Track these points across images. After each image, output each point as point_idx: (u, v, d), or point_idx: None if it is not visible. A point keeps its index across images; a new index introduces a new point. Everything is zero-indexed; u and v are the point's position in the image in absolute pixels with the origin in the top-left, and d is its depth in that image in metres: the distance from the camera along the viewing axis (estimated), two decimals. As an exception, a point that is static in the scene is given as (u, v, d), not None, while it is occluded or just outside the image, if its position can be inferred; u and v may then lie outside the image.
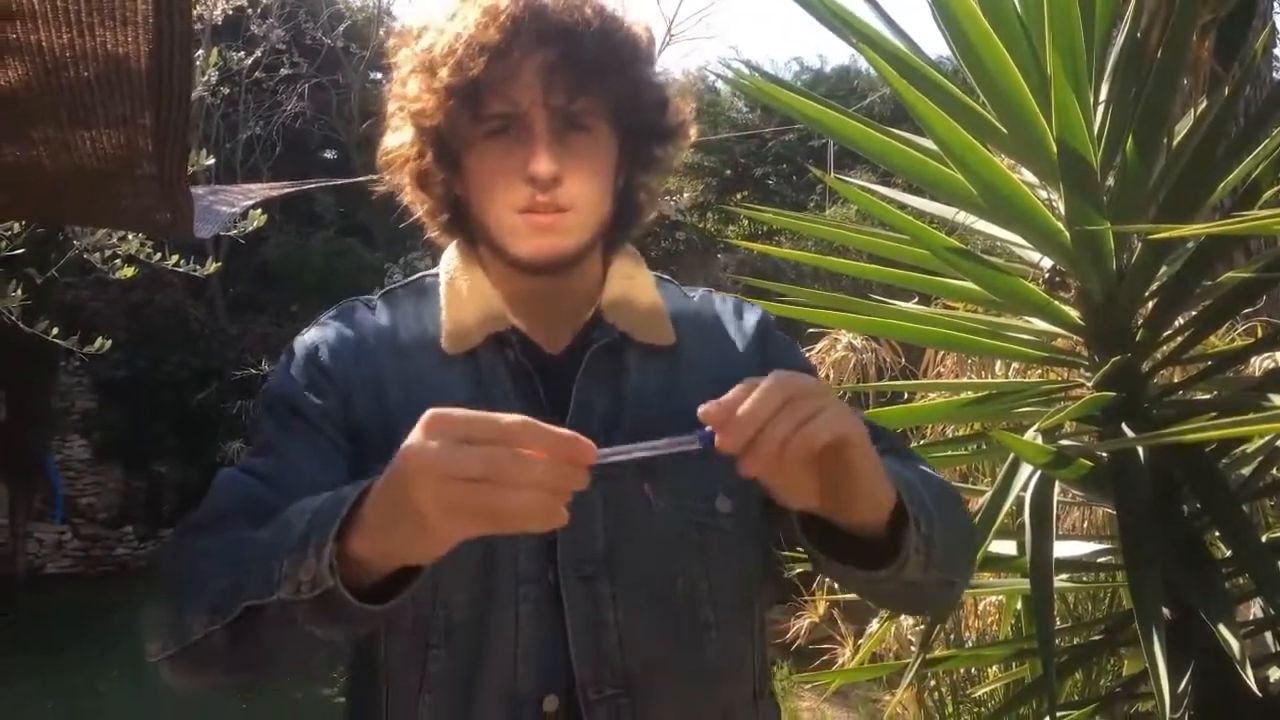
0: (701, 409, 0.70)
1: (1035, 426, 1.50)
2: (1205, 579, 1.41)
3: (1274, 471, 1.63)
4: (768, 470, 0.71)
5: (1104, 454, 1.52)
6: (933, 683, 3.28)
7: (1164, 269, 1.56)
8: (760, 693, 0.98)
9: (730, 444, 0.70)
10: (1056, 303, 1.60)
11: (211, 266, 4.31)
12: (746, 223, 10.07)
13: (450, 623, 0.89)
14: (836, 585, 3.60)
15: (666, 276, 1.08)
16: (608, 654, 0.89)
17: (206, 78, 4.40)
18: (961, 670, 3.17)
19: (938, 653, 2.49)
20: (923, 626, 2.56)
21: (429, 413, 0.66)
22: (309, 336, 0.98)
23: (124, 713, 5.40)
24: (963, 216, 1.68)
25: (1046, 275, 1.64)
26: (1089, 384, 1.57)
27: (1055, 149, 1.40)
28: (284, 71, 9.67)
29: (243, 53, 7.67)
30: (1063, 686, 2.26)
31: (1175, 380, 1.76)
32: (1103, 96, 1.57)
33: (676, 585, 0.92)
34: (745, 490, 0.94)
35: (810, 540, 0.82)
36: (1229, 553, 1.52)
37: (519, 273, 0.94)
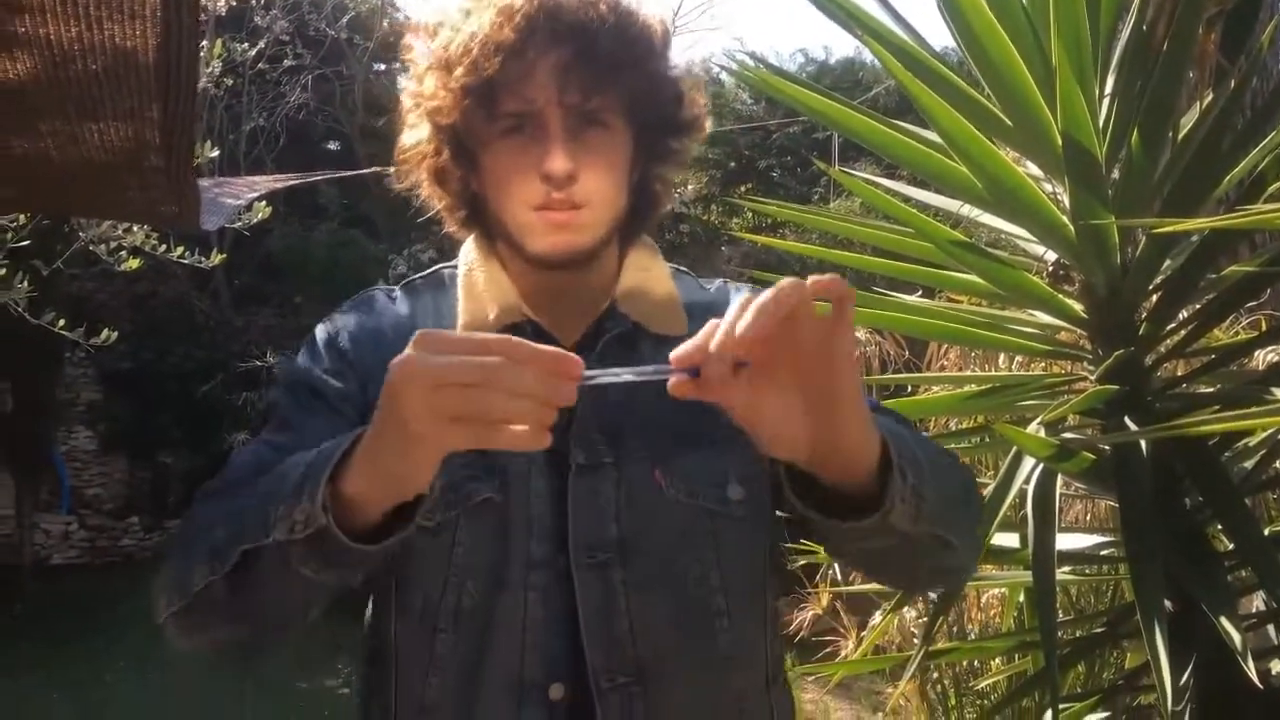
0: (674, 353, 0.70)
1: (1038, 419, 1.51)
2: (1207, 572, 1.41)
3: (1277, 465, 1.63)
4: (736, 391, 0.70)
5: (1106, 447, 1.53)
6: (935, 675, 3.28)
7: (1168, 262, 1.56)
8: (773, 680, 0.99)
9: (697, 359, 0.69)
10: (1060, 296, 1.60)
11: (216, 258, 4.32)
12: (751, 215, 10.06)
13: (459, 607, 0.91)
14: (837, 570, 3.61)
15: (683, 268, 1.08)
16: (620, 641, 0.90)
17: (210, 69, 4.39)
18: (964, 662, 3.17)
19: (940, 645, 2.49)
20: (925, 619, 2.57)
21: (419, 332, 0.66)
22: (331, 323, 1.00)
23: (130, 703, 5.43)
24: (967, 210, 1.68)
25: (1050, 269, 1.64)
26: (1092, 377, 1.57)
27: (1060, 142, 1.40)
28: (287, 63, 9.67)
29: (246, 44, 7.67)
30: (1065, 679, 2.27)
31: (1179, 374, 1.76)
32: (1108, 90, 1.56)
33: (688, 572, 0.93)
34: (756, 478, 0.96)
35: (799, 500, 0.81)
36: (1231, 546, 1.52)
37: (535, 267, 0.95)
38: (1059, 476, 1.53)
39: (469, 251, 1.02)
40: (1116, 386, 1.48)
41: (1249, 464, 1.63)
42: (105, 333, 4.11)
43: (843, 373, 0.72)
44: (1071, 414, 1.57)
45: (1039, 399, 1.69)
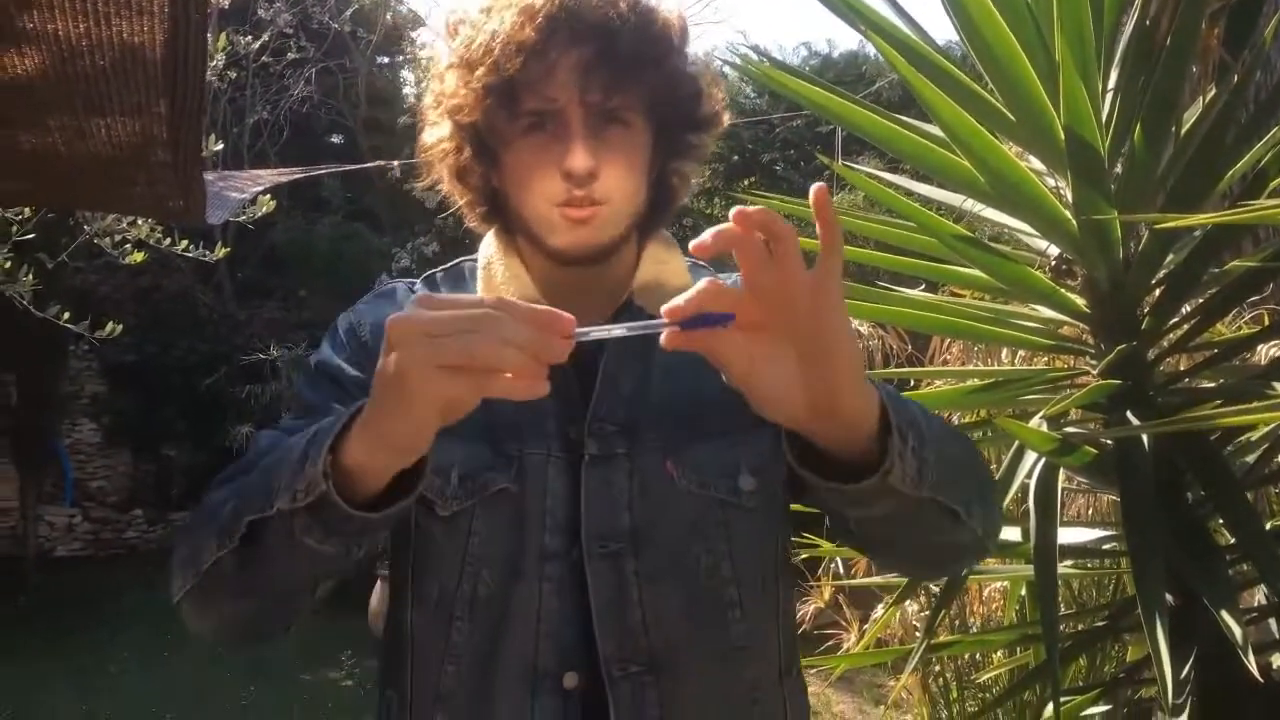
0: (666, 305, 0.70)
1: (1040, 414, 1.51)
2: (1208, 566, 1.42)
3: (1278, 459, 1.63)
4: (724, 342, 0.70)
5: (1108, 441, 1.53)
6: (937, 668, 3.29)
7: (1171, 257, 1.56)
8: (786, 671, 1.00)
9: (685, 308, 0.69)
10: (1063, 290, 1.60)
11: (220, 252, 4.32)
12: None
13: (475, 597, 0.92)
14: (839, 563, 3.61)
15: (702, 262, 1.09)
16: (632, 630, 0.91)
17: (214, 62, 4.39)
18: (966, 655, 3.18)
19: (942, 638, 2.50)
20: (927, 612, 2.58)
21: (418, 295, 0.68)
22: (353, 313, 1.02)
23: (134, 694, 5.45)
24: (970, 204, 1.69)
25: (1053, 263, 1.65)
26: (1094, 372, 1.58)
27: (1063, 137, 1.40)
28: (291, 56, 9.65)
29: (250, 37, 7.67)
30: (1066, 672, 2.27)
31: (1181, 368, 1.76)
32: (1111, 84, 1.56)
33: (700, 563, 0.94)
34: (768, 470, 0.97)
35: (801, 466, 0.80)
36: (1232, 540, 1.52)
37: (555, 262, 0.96)
38: (1061, 471, 1.54)
39: (489, 246, 1.03)
40: (1119, 381, 1.48)
41: (1251, 458, 1.63)
42: (110, 326, 4.12)
43: (833, 321, 0.71)
44: (1073, 408, 1.57)
45: (1041, 393, 1.69)
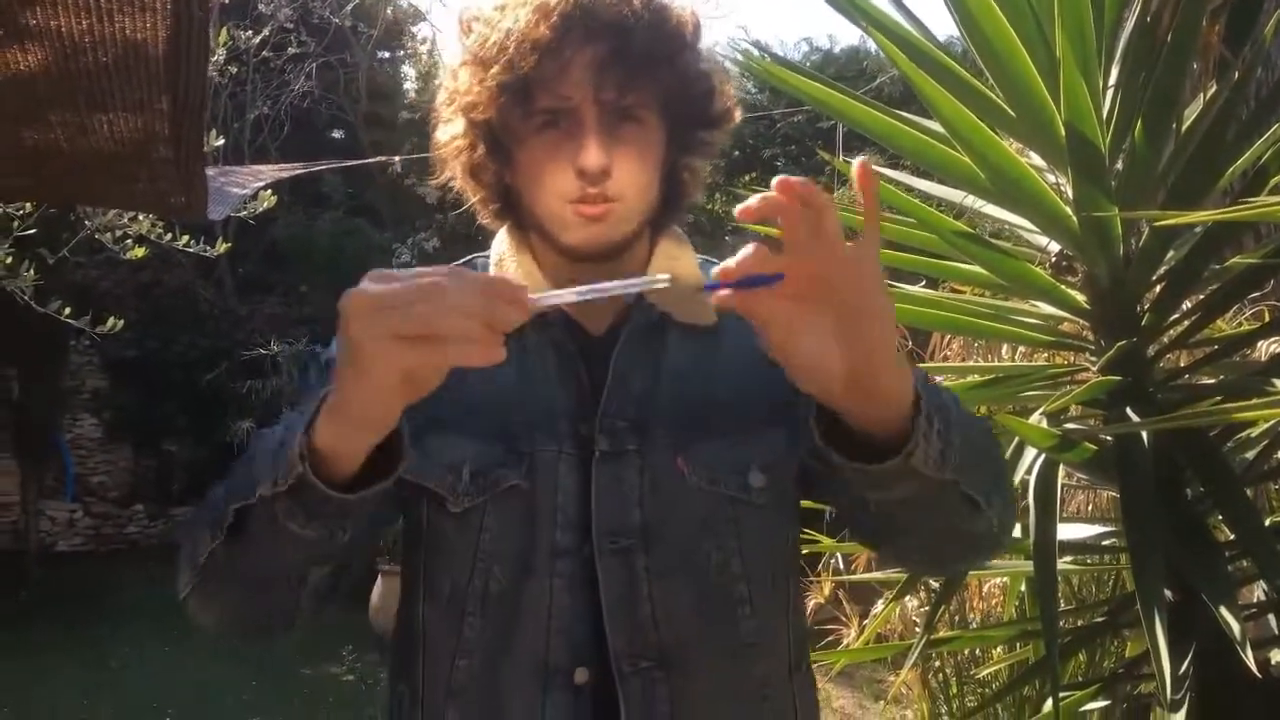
0: (716, 268, 0.70)
1: (1040, 410, 1.51)
2: (1208, 562, 1.42)
3: (1278, 456, 1.64)
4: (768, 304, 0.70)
5: (1108, 438, 1.53)
6: (937, 663, 3.30)
7: (1171, 253, 1.57)
8: (796, 667, 1.00)
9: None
10: (1063, 287, 1.61)
11: (221, 247, 4.32)
12: (754, 204, 10.02)
13: (486, 592, 0.92)
14: (839, 559, 3.61)
15: (714, 260, 1.09)
16: (642, 626, 0.91)
17: (215, 58, 4.39)
18: (966, 651, 3.18)
19: (942, 634, 2.51)
20: (927, 608, 2.58)
21: (370, 271, 0.68)
22: None
23: (135, 689, 5.46)
24: (970, 200, 1.69)
25: (1053, 259, 1.65)
26: (1094, 368, 1.58)
27: (1064, 133, 1.40)
28: (291, 50, 9.64)
29: (250, 32, 7.66)
30: (1065, 667, 2.28)
31: (1181, 364, 1.76)
32: (1112, 81, 1.56)
33: (710, 560, 0.94)
34: (778, 466, 0.97)
35: (826, 444, 0.78)
36: (1232, 536, 1.53)
37: (567, 259, 0.96)
38: (1061, 467, 1.54)
39: (501, 243, 1.04)
40: (1119, 377, 1.49)
41: (1250, 454, 1.63)
42: (111, 321, 4.12)
43: (871, 294, 0.71)
44: (1074, 404, 1.58)
45: (1041, 389, 1.70)
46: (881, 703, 4.51)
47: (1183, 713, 1.32)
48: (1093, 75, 1.44)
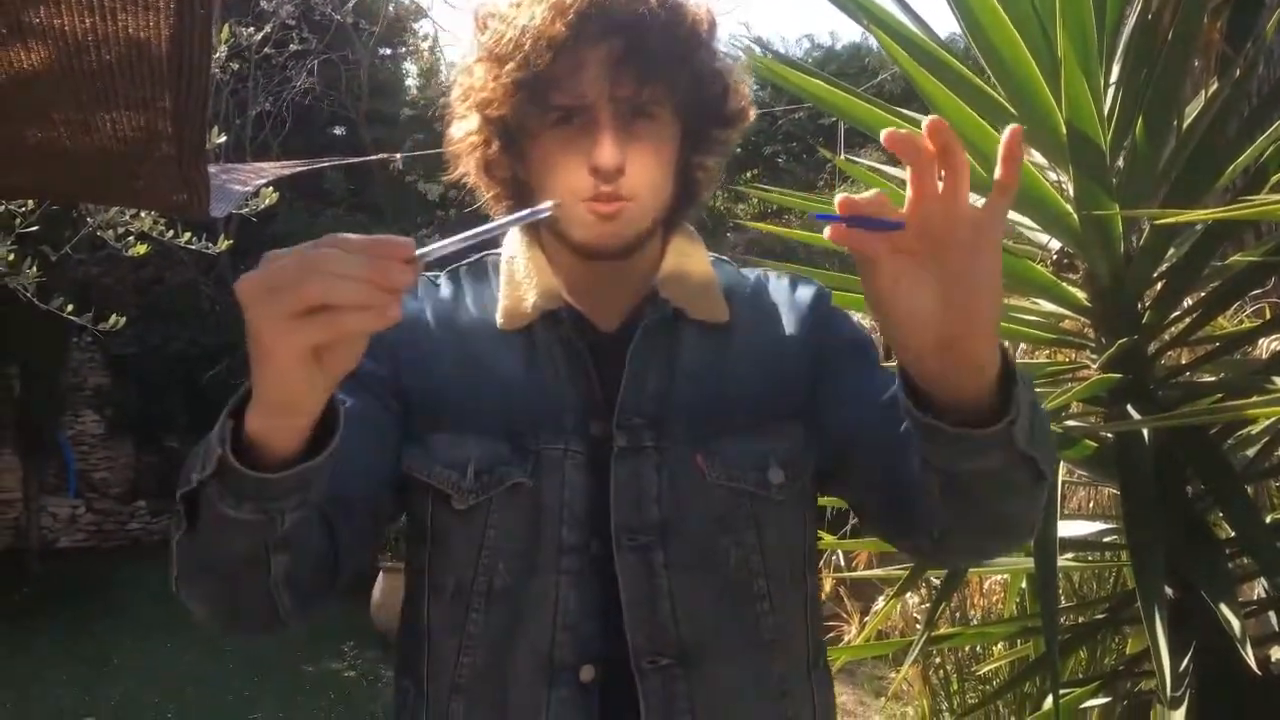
0: (841, 198, 0.69)
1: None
2: (1208, 559, 1.43)
3: (1278, 453, 1.64)
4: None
5: (1109, 435, 1.54)
6: (938, 660, 3.30)
7: (1172, 251, 1.57)
8: (814, 663, 1.00)
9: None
10: (1064, 284, 1.61)
11: (223, 244, 4.31)
12: (756, 202, 10.04)
13: (491, 589, 0.92)
14: (840, 556, 3.61)
15: (724, 257, 1.09)
16: (662, 623, 0.91)
17: (217, 54, 4.39)
18: (966, 648, 3.19)
19: (943, 630, 2.51)
20: (928, 604, 2.58)
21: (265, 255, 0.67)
22: None
23: (136, 685, 5.47)
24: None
25: (1054, 257, 1.65)
26: (1095, 365, 1.58)
27: (1065, 131, 1.40)
28: (293, 47, 9.63)
29: (252, 28, 7.65)
30: (1066, 664, 2.28)
31: (1182, 362, 1.77)
32: (1113, 78, 1.57)
33: (729, 556, 0.94)
34: (797, 462, 0.97)
35: (920, 410, 0.76)
36: (1232, 534, 1.53)
37: (580, 257, 0.96)
38: (1061, 464, 1.54)
39: (513, 239, 1.04)
40: (1119, 375, 1.49)
41: (1251, 452, 1.64)
42: (112, 318, 4.11)
43: (986, 262, 0.69)
44: (1074, 402, 1.58)
45: (1042, 387, 1.70)
46: (883, 699, 4.52)
47: (1183, 710, 1.33)
48: (1094, 73, 1.44)
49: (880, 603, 3.06)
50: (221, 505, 0.73)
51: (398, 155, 6.83)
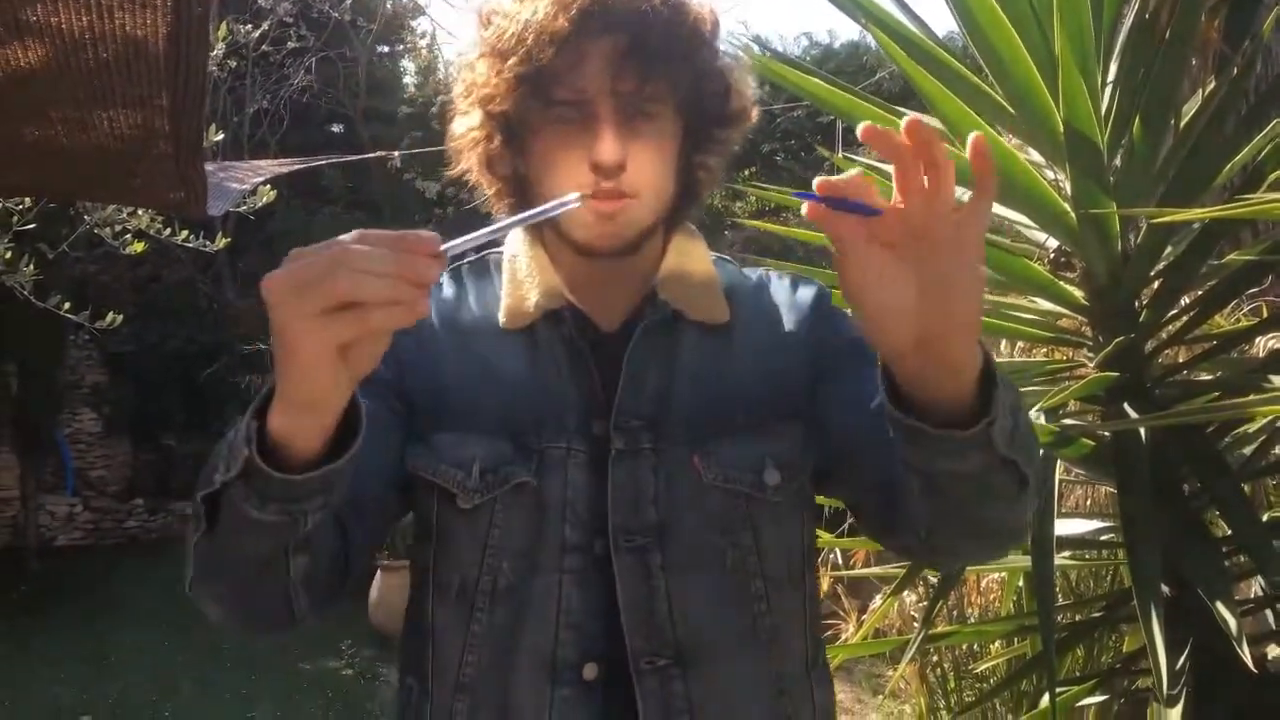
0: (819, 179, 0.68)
1: (1038, 406, 1.52)
2: (1205, 557, 1.43)
3: (1275, 451, 1.64)
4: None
5: (1106, 433, 1.54)
6: (935, 658, 3.30)
7: (1169, 249, 1.57)
8: (813, 664, 1.00)
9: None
10: (1061, 283, 1.61)
11: (220, 242, 4.31)
12: (754, 199, 10.03)
13: (495, 588, 0.93)
14: (838, 554, 3.61)
15: (726, 256, 1.09)
16: (659, 624, 0.91)
17: (215, 52, 4.38)
18: (964, 646, 3.19)
19: (940, 628, 2.51)
20: (925, 603, 2.58)
21: (291, 252, 0.66)
22: None
23: (134, 683, 5.47)
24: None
25: (1052, 255, 1.65)
26: (1092, 364, 1.58)
27: (1062, 130, 1.40)
28: (291, 45, 9.61)
29: (250, 25, 7.64)
30: (1063, 662, 2.29)
31: (1179, 360, 1.77)
32: (1110, 77, 1.57)
33: (726, 557, 0.94)
34: (794, 463, 0.97)
35: (901, 410, 0.76)
36: (1228, 532, 1.53)
37: (581, 255, 0.96)
38: (1059, 462, 1.54)
39: (516, 238, 1.04)
40: (1116, 373, 1.49)
41: (1247, 450, 1.64)
42: (110, 316, 4.11)
43: (966, 261, 0.69)
44: (1071, 400, 1.58)
45: (1040, 385, 1.70)
46: (880, 697, 4.52)
47: (1179, 707, 1.33)
48: (1091, 72, 1.44)
49: (878, 601, 3.06)
50: (245, 507, 0.73)
51: (395, 153, 6.82)
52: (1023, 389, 1.72)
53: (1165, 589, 1.45)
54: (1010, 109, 1.53)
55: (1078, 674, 2.30)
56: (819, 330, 1.02)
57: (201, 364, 9.12)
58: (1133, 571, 1.38)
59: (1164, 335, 1.64)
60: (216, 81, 8.31)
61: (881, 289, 0.70)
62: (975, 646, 3.14)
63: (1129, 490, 1.45)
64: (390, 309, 0.63)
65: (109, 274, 8.81)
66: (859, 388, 0.95)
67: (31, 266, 3.88)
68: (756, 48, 2.07)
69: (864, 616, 3.48)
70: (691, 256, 1.02)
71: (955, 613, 3.23)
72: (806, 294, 1.06)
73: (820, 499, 1.08)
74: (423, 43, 12.14)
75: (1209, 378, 1.65)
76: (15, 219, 3.79)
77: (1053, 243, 1.65)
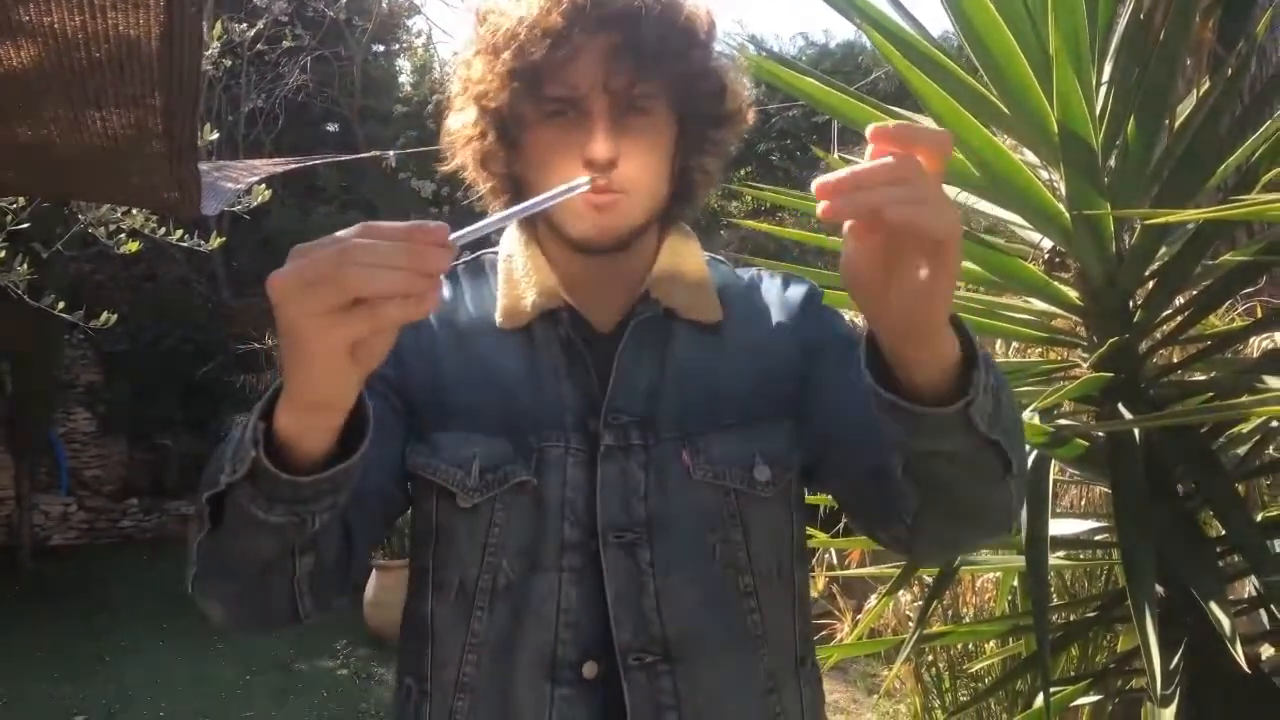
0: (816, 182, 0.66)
1: (1033, 406, 1.52)
2: (1198, 557, 1.43)
3: (1269, 451, 1.64)
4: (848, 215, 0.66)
5: (1100, 434, 1.54)
6: (930, 658, 3.31)
7: (1163, 250, 1.57)
8: (803, 660, 1.00)
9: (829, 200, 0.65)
10: (1055, 283, 1.61)
11: (215, 241, 4.30)
12: (750, 199, 10.03)
13: (495, 586, 0.93)
14: (833, 554, 3.61)
15: (719, 257, 1.09)
16: (648, 620, 0.92)
17: (210, 51, 4.38)
18: (958, 645, 3.19)
19: (935, 628, 2.52)
20: (920, 602, 2.59)
21: (294, 248, 0.65)
22: None
23: (129, 683, 5.46)
24: (963, 196, 1.69)
25: (1046, 256, 1.65)
26: (1086, 364, 1.59)
27: (1057, 130, 1.40)
28: (286, 44, 9.60)
29: (245, 24, 7.63)
30: (1057, 662, 2.29)
31: (1173, 360, 1.77)
32: (1105, 77, 1.57)
33: (716, 553, 0.94)
34: (783, 459, 0.97)
35: (884, 388, 0.76)
36: (1222, 532, 1.53)
37: (575, 252, 0.96)
38: (1053, 462, 1.55)
39: (510, 238, 1.04)
40: (1111, 374, 1.49)
41: (1241, 450, 1.64)
42: (104, 315, 4.10)
43: (946, 269, 0.67)
44: (1066, 400, 1.58)
45: (1034, 385, 1.70)
46: (875, 697, 4.52)
47: (1173, 708, 1.33)
48: (1086, 72, 1.45)
49: (873, 601, 3.06)
50: (252, 508, 0.73)
51: (391, 152, 6.82)
52: (1017, 389, 1.72)
53: (1159, 589, 1.45)
54: (1005, 109, 1.53)
55: (1072, 674, 2.30)
56: (809, 328, 1.03)
57: (196, 363, 9.10)
58: (1127, 571, 1.38)
59: (1158, 335, 1.64)
60: (211, 80, 8.30)
61: (868, 267, 0.69)
62: (970, 646, 3.15)
63: (1123, 490, 1.45)
64: (402, 303, 0.62)
65: (103, 273, 8.80)
66: (846, 382, 0.95)
67: (26, 266, 3.88)
68: (752, 47, 2.07)
69: (859, 616, 3.49)
70: (685, 257, 1.03)
71: (950, 613, 3.24)
72: (797, 292, 1.06)
73: (816, 498, 1.08)
74: (418, 42, 12.13)
75: (1203, 378, 1.66)
76: (9, 218, 3.78)
77: (1047, 243, 1.65)
